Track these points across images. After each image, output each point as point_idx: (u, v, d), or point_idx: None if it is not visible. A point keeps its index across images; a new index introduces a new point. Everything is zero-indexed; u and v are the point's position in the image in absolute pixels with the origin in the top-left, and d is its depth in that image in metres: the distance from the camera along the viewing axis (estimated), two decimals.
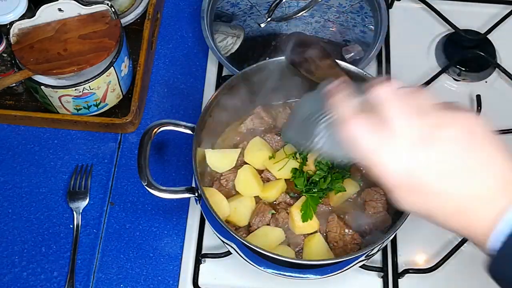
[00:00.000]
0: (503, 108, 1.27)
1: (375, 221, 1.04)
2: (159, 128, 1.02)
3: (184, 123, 1.03)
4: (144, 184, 0.98)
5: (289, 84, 1.11)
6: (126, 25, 1.30)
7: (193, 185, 1.00)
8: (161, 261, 1.11)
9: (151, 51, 1.29)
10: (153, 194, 1.16)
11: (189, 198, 1.16)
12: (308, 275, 0.99)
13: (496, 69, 1.31)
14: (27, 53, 1.11)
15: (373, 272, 1.10)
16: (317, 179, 1.04)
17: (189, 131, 1.02)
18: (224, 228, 0.94)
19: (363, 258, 0.97)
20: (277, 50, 1.24)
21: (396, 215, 1.03)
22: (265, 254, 0.91)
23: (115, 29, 1.15)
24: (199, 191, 0.97)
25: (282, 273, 0.98)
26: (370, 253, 0.97)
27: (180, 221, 1.15)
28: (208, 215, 0.98)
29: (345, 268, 0.98)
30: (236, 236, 0.92)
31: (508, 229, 0.63)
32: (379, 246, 0.96)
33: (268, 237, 1.02)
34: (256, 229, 1.03)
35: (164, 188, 0.98)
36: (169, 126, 1.03)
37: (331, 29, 1.28)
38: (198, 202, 1.00)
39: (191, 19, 1.37)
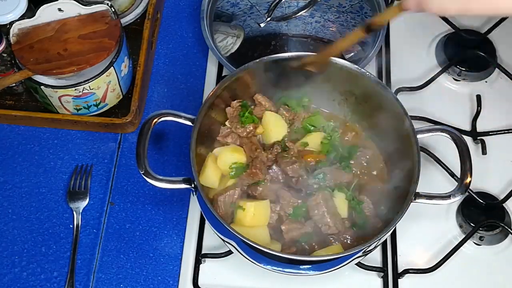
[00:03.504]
0: (503, 108, 1.27)
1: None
2: (159, 118, 1.02)
3: (184, 114, 1.03)
4: (141, 172, 0.97)
5: (291, 80, 1.12)
6: (126, 25, 1.31)
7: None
8: (161, 261, 1.11)
9: (151, 51, 1.29)
10: (152, 194, 1.17)
11: (189, 198, 1.16)
12: (306, 271, 0.99)
13: (496, 69, 1.31)
14: (27, 53, 1.11)
15: (373, 272, 1.10)
16: None
17: (189, 123, 1.02)
18: (221, 223, 0.94)
19: (360, 254, 0.97)
20: (277, 50, 1.25)
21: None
22: (264, 251, 0.92)
23: (115, 29, 1.15)
24: (195, 182, 0.97)
25: (281, 269, 0.98)
26: (367, 250, 0.97)
27: (180, 221, 1.15)
28: (203, 207, 0.98)
29: (342, 264, 0.98)
30: (234, 232, 0.92)
31: None
32: (375, 243, 0.96)
33: (254, 233, 1.01)
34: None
35: (161, 177, 0.98)
36: (169, 117, 1.03)
37: (331, 29, 1.28)
38: (194, 193, 1.00)
39: (191, 19, 1.37)
